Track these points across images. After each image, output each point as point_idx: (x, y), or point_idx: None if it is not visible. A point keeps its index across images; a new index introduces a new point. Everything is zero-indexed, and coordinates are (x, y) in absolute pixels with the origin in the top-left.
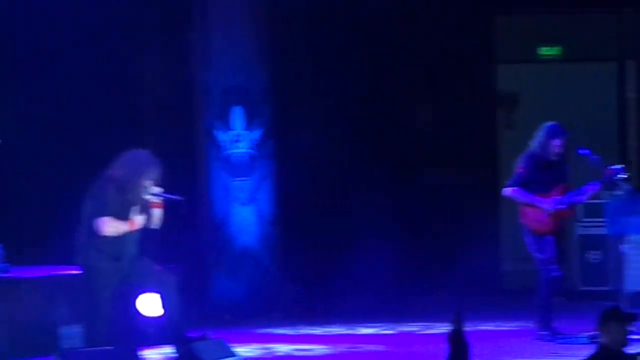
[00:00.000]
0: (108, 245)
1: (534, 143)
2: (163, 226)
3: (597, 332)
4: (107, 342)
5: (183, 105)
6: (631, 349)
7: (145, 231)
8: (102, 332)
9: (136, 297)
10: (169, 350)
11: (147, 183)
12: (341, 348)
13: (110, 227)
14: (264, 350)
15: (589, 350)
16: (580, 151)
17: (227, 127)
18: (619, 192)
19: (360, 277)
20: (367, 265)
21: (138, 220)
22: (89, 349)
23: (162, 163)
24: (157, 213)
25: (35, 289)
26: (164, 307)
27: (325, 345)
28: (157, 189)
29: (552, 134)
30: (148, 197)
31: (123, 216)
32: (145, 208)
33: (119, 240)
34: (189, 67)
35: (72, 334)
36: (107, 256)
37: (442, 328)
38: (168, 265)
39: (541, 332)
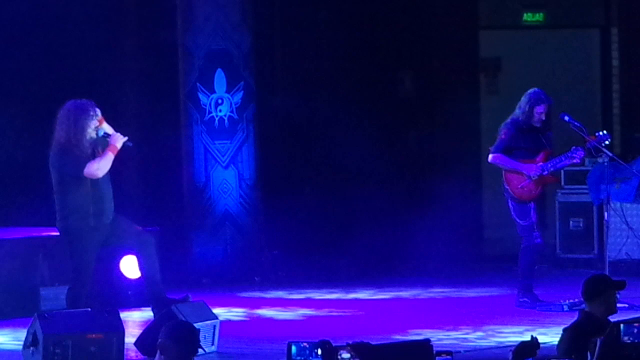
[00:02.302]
0: (86, 204)
1: (517, 109)
2: (143, 187)
3: (584, 300)
4: (88, 303)
5: (166, 68)
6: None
7: (123, 190)
8: (84, 294)
9: (117, 258)
10: (148, 311)
11: (91, 128)
12: (320, 312)
13: (100, 165)
14: (244, 314)
15: (570, 317)
16: (562, 117)
17: (209, 90)
18: (602, 160)
19: (339, 240)
20: (347, 229)
21: (117, 139)
22: (70, 310)
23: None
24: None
25: (15, 250)
26: (143, 268)
27: (305, 309)
28: (108, 129)
29: (535, 100)
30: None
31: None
32: (104, 148)
33: (96, 196)
34: (172, 31)
35: (52, 296)
36: (87, 215)
37: (425, 294)
38: (148, 228)
39: (522, 299)
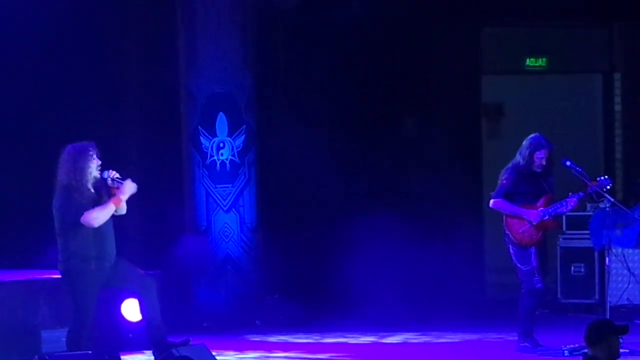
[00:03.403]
0: (87, 247)
1: (518, 154)
2: (145, 232)
3: (587, 345)
4: (89, 346)
5: (168, 111)
6: None
7: (125, 233)
8: (84, 336)
9: (118, 301)
10: (149, 355)
11: (92, 171)
12: (321, 356)
13: (98, 215)
14: (245, 357)
15: None
16: (564, 162)
17: (211, 133)
18: (603, 205)
19: (341, 284)
20: (348, 273)
21: (129, 187)
22: (70, 352)
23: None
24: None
25: (16, 292)
26: (145, 311)
27: (305, 353)
28: (113, 174)
29: (536, 145)
30: (109, 182)
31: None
32: (109, 195)
33: (97, 239)
34: (175, 73)
35: (53, 338)
36: (88, 258)
37: (422, 338)
38: (150, 271)
39: (523, 344)
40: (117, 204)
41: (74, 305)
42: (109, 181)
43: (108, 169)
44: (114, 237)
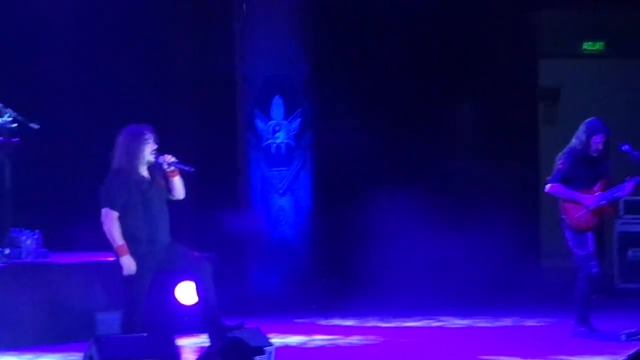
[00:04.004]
0: (137, 230)
1: (575, 139)
2: (200, 215)
3: None
4: (143, 329)
5: (224, 94)
6: None
7: (180, 217)
8: (138, 319)
9: (173, 284)
10: (204, 338)
11: (145, 155)
12: (375, 340)
13: (109, 224)
14: (299, 341)
15: (627, 347)
16: (621, 147)
17: (267, 116)
18: None
19: (395, 268)
20: (404, 257)
21: (126, 262)
22: (125, 335)
23: (200, 150)
24: (177, 182)
25: (72, 274)
26: (200, 294)
27: (360, 336)
28: (168, 158)
29: (593, 130)
30: (164, 167)
31: (135, 200)
32: (166, 179)
33: (148, 222)
34: (230, 57)
35: (108, 320)
36: (139, 241)
37: (479, 323)
38: (205, 254)
39: (579, 329)
40: (120, 251)
41: (125, 288)
42: (165, 165)
43: (164, 154)
44: (168, 220)
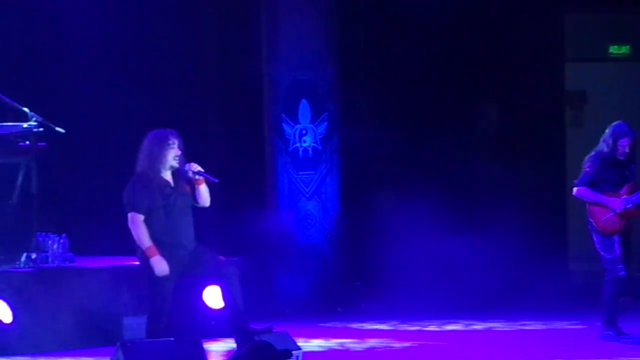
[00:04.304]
0: (160, 234)
1: (602, 142)
2: (226, 219)
3: None
4: (168, 333)
5: (250, 98)
6: None
7: (207, 221)
8: (163, 323)
9: (200, 288)
10: (232, 342)
11: (168, 160)
12: (404, 344)
13: (136, 227)
14: (327, 345)
15: None
16: None
17: (294, 120)
18: None
19: (423, 271)
20: (431, 260)
21: (157, 263)
22: (152, 339)
23: (227, 154)
24: (203, 190)
25: (99, 279)
26: (226, 299)
27: (388, 340)
28: (195, 166)
29: (619, 133)
30: (190, 175)
31: (157, 204)
32: (192, 186)
33: (170, 227)
34: (257, 60)
35: (135, 325)
36: (162, 245)
37: (506, 327)
38: (231, 258)
39: (606, 332)
40: (150, 255)
41: (150, 293)
42: (190, 174)
43: (190, 162)
44: (192, 225)
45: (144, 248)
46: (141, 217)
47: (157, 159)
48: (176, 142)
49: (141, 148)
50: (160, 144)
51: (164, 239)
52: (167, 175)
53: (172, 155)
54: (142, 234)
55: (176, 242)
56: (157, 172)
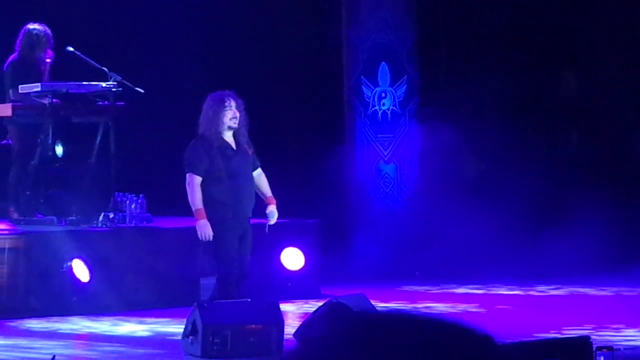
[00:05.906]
0: (222, 194)
1: None
2: (305, 182)
3: None
4: (241, 293)
5: (330, 61)
6: None
7: (285, 183)
8: (233, 284)
9: (278, 250)
10: (308, 304)
11: (226, 121)
12: (476, 307)
13: (191, 188)
14: (404, 308)
15: None
16: None
17: (373, 83)
18: None
19: (497, 238)
20: (504, 227)
21: (202, 226)
22: (228, 301)
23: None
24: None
25: (176, 239)
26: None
27: (465, 304)
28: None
29: None
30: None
31: (219, 166)
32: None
33: (232, 188)
34: (337, 24)
35: (211, 286)
36: (224, 205)
37: (577, 290)
38: (310, 220)
39: None
40: (198, 217)
41: (215, 254)
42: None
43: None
44: (253, 186)
45: (193, 209)
46: (198, 179)
47: (214, 121)
48: (233, 103)
49: (202, 110)
50: (216, 106)
51: (226, 200)
52: (229, 137)
53: (229, 117)
54: (195, 196)
55: (238, 202)
56: (217, 134)
